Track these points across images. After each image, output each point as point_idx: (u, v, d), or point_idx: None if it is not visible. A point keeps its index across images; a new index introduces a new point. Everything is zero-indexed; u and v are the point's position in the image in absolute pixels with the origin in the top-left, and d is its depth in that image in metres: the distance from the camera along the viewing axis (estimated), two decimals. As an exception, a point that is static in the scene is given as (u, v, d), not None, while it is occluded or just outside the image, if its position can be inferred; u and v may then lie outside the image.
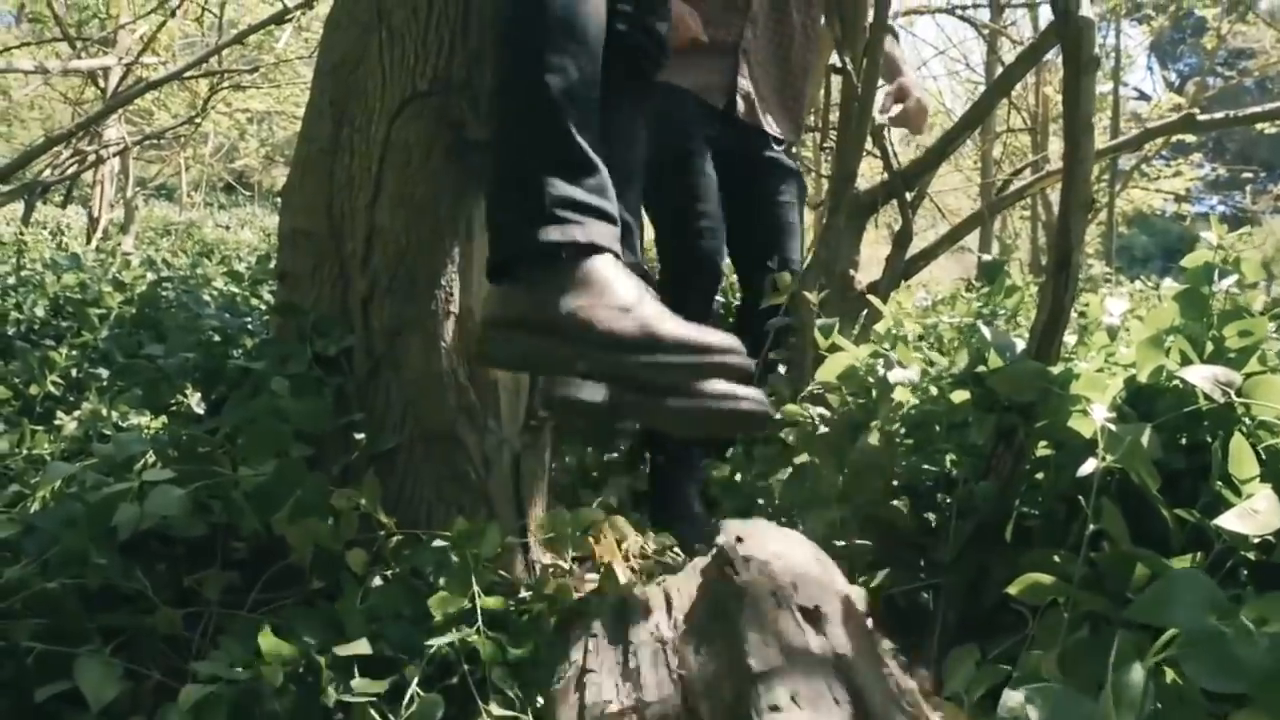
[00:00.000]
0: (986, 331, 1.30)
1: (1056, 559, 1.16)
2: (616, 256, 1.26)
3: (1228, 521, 0.98)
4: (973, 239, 10.85)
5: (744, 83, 2.48)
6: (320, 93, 1.72)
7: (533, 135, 1.30)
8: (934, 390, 1.46)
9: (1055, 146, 9.70)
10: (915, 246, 2.38)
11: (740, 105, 2.48)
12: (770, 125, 2.54)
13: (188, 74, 6.44)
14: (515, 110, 1.34)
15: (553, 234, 1.24)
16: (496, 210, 1.35)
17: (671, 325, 1.19)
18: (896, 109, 2.45)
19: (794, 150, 2.58)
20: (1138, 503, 1.10)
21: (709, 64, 2.43)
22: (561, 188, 1.27)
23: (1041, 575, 1.05)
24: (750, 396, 1.20)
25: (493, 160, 1.37)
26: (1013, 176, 6.61)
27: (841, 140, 2.03)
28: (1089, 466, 1.07)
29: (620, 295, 1.20)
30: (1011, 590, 1.05)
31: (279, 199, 1.92)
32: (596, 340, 1.18)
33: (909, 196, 2.04)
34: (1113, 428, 1.13)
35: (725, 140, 2.47)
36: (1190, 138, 11.07)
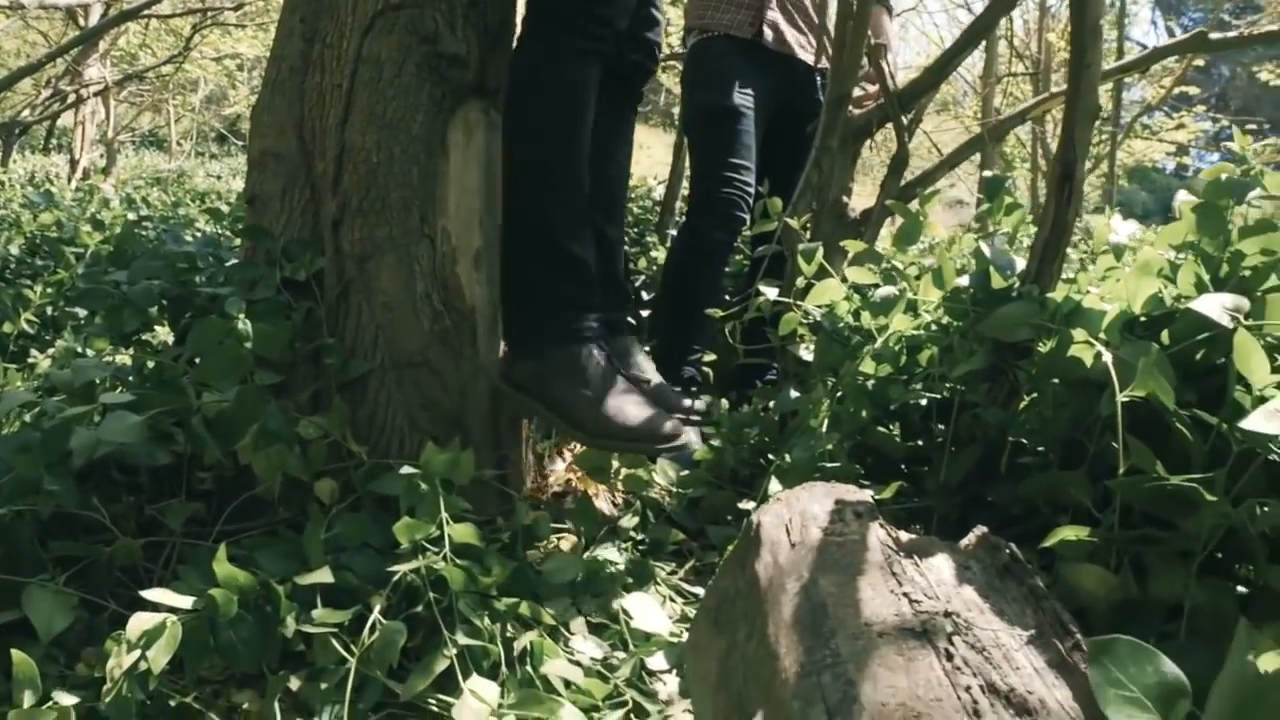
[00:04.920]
0: (986, 249, 1.22)
1: (1054, 486, 1.10)
2: (600, 346, 1.61)
3: (1254, 423, 0.91)
4: (971, 188, 10.73)
5: (771, 14, 2.55)
6: (291, 10, 1.64)
7: (537, 252, 1.60)
8: (926, 315, 1.39)
9: (1057, 96, 9.55)
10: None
11: (768, 34, 2.54)
12: (801, 51, 2.61)
13: (169, 14, 6.29)
14: (524, 233, 1.62)
15: (550, 328, 1.59)
16: (512, 302, 1.63)
17: (631, 412, 1.54)
18: (873, 88, 2.51)
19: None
20: (1147, 434, 1.03)
21: (739, 2, 2.54)
22: (560, 289, 1.60)
23: (1076, 529, 0.98)
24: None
25: (503, 263, 1.63)
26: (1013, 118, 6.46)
27: (836, 61, 1.95)
28: (1106, 403, 1.01)
29: (593, 387, 1.55)
30: (1048, 543, 0.98)
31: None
32: (568, 419, 1.55)
33: (905, 120, 1.96)
34: (1109, 356, 1.06)
35: (782, 90, 2.57)
36: (1194, 89, 10.88)
